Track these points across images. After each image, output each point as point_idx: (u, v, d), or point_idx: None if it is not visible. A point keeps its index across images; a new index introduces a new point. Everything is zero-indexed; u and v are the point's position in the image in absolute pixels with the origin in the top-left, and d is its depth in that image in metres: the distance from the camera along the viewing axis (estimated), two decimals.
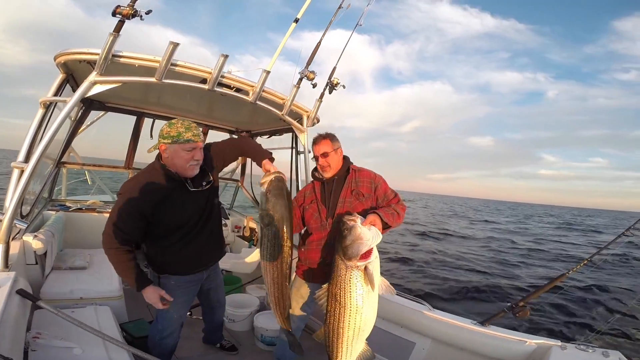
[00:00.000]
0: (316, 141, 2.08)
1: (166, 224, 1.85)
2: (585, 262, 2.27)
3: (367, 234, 1.60)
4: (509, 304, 2.27)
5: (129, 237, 1.77)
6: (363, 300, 1.59)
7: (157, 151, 1.85)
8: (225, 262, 3.72)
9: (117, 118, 3.83)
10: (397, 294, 2.60)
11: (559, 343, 1.95)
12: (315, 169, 2.16)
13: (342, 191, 2.02)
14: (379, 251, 1.68)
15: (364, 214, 1.82)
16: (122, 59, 2.14)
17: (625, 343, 5.05)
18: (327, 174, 2.05)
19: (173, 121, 1.77)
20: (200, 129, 1.85)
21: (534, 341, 2.04)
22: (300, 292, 2.15)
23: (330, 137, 2.08)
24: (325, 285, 1.68)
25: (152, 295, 1.82)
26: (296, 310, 2.15)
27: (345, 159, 2.11)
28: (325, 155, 2.02)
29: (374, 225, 1.69)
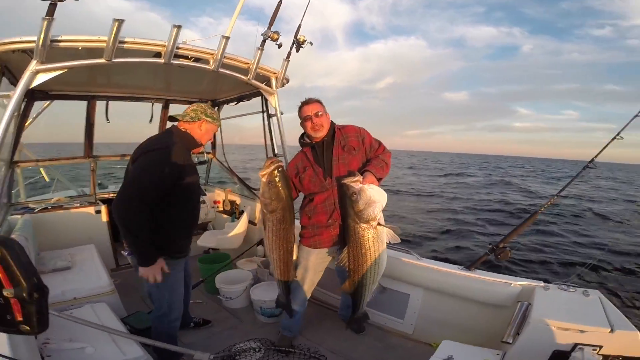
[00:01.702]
0: (308, 102, 2.22)
1: (186, 189, 2.04)
2: (554, 198, 2.51)
3: (376, 195, 1.85)
4: (490, 246, 2.49)
5: (157, 197, 1.89)
6: (380, 253, 1.94)
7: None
8: (210, 240, 3.88)
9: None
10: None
11: (542, 284, 2.20)
12: (302, 135, 2.32)
13: (333, 149, 2.19)
14: None
15: (358, 167, 2.11)
16: (62, 44, 2.07)
17: (603, 282, 5.73)
18: (320, 133, 2.19)
19: (206, 105, 2.19)
20: None
21: (518, 283, 2.29)
22: (309, 262, 2.35)
23: (319, 100, 2.25)
24: (345, 250, 1.99)
25: (155, 267, 1.96)
26: (306, 280, 2.39)
27: (331, 121, 2.27)
28: (319, 114, 2.18)
29: (373, 184, 1.92)
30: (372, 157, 2.19)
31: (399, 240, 1.97)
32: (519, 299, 2.21)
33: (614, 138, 2.35)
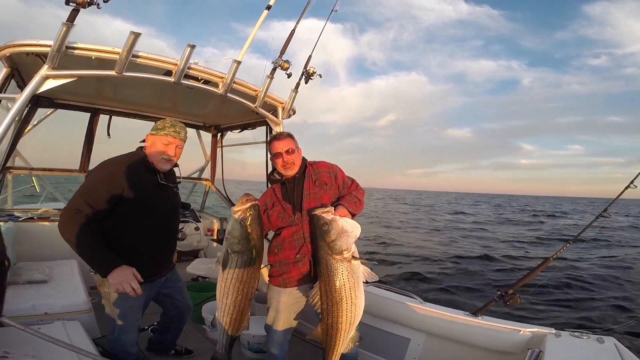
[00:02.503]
0: (278, 137, 2.17)
1: (136, 209, 1.99)
2: (568, 245, 2.46)
3: (349, 225, 1.75)
4: (498, 293, 2.41)
5: (96, 211, 1.88)
6: (356, 292, 1.75)
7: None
8: (200, 268, 3.75)
9: (69, 117, 3.72)
10: (386, 289, 2.75)
11: (553, 331, 2.11)
12: (272, 172, 2.28)
13: (304, 184, 2.14)
14: None
15: (330, 203, 2.02)
16: (76, 51, 2.13)
17: (618, 330, 5.51)
18: (291, 172, 2.13)
19: (167, 119, 2.15)
20: (185, 131, 2.18)
21: (528, 330, 2.19)
22: (280, 304, 2.15)
23: (291, 135, 2.20)
24: (316, 286, 1.82)
25: (124, 273, 1.85)
26: (279, 322, 2.16)
27: (302, 157, 2.23)
28: (291, 151, 2.12)
29: (346, 217, 1.85)
30: (345, 193, 2.15)
31: (377, 278, 1.84)
32: (528, 347, 2.11)
33: (627, 187, 2.33)
